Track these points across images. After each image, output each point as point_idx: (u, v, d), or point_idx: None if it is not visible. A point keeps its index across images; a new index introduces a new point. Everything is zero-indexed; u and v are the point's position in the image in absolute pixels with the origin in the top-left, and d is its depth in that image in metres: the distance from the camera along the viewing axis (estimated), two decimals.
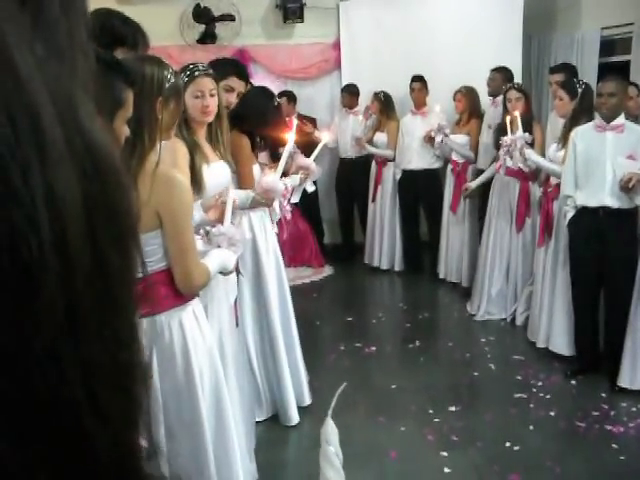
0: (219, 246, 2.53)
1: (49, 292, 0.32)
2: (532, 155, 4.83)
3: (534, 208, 5.21)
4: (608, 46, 7.05)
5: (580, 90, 4.65)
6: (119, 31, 2.50)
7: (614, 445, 3.59)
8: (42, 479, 0.34)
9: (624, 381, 4.18)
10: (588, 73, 6.51)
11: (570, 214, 4.42)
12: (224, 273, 2.56)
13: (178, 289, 2.35)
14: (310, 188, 3.80)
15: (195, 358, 2.35)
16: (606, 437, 3.68)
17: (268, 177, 3.33)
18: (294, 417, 3.87)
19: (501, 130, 5.17)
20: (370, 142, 6.93)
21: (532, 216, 5.28)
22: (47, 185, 0.32)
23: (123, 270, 0.38)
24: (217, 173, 2.97)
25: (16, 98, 0.32)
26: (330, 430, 0.85)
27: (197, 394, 2.34)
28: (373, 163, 7.04)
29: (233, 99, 3.45)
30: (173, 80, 2.34)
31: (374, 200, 6.99)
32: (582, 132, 4.36)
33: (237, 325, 3.17)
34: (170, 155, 2.53)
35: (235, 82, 3.46)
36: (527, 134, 4.90)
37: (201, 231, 2.60)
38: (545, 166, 4.81)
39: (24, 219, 0.31)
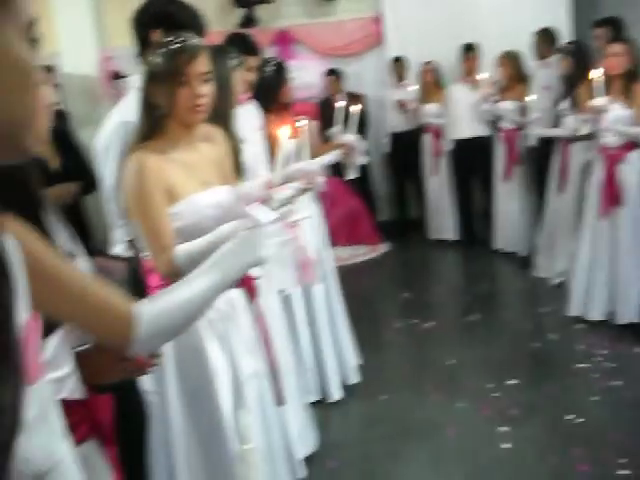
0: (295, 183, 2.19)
1: None
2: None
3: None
4: None
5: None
6: (178, 17, 2.54)
7: None
8: None
9: None
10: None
11: None
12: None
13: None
14: (362, 161, 3.74)
15: (211, 355, 2.14)
16: None
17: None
18: (335, 394, 3.84)
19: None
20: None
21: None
22: None
23: None
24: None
25: None
26: None
27: (216, 393, 2.14)
28: (427, 136, 6.89)
29: (252, 77, 3.38)
30: None
31: (437, 173, 6.88)
32: None
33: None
34: None
35: (250, 60, 3.38)
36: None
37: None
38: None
39: None
